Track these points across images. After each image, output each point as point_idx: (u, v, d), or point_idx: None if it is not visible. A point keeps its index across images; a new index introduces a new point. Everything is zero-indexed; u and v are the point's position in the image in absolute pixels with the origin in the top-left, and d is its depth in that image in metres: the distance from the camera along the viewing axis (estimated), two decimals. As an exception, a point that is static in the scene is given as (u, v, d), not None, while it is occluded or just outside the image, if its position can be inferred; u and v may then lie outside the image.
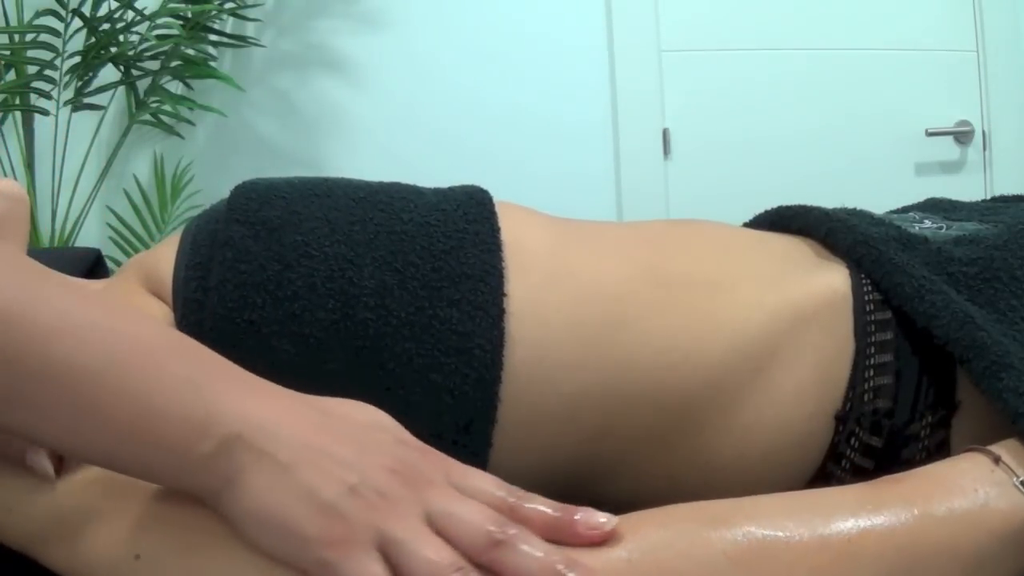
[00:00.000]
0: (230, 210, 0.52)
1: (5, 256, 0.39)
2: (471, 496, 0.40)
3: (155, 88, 1.67)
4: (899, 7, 2.08)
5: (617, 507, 0.42)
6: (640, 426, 0.52)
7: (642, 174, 1.99)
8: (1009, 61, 2.10)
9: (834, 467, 0.53)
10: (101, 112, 1.68)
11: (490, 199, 0.57)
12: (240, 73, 1.82)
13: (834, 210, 0.62)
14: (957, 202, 0.71)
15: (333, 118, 1.91)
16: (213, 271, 0.50)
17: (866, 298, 0.54)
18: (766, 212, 0.68)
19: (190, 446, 0.38)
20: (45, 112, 1.60)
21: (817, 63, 2.05)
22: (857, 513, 0.41)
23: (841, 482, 0.53)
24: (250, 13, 1.78)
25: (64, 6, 1.56)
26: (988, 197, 0.75)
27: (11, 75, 1.57)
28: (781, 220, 0.65)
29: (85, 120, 1.67)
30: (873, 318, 0.54)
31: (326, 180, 0.56)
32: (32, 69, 1.58)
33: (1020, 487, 0.43)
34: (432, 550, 0.37)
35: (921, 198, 0.74)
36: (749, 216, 0.71)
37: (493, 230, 0.54)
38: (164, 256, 0.54)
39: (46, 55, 1.57)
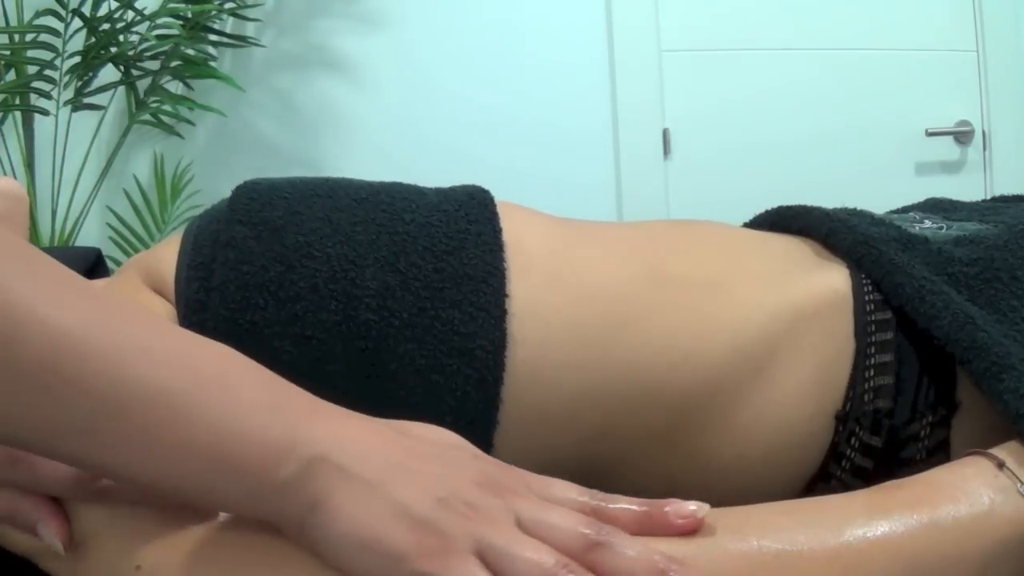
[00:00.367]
0: (232, 210, 0.52)
1: (64, 278, 0.38)
2: (557, 502, 0.40)
3: (155, 88, 1.67)
4: (899, 7, 2.08)
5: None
6: (640, 426, 0.52)
7: (642, 174, 1.99)
8: (1009, 61, 2.10)
9: (834, 467, 0.53)
10: (101, 112, 1.68)
11: (492, 199, 0.57)
12: (240, 73, 1.82)
13: (835, 210, 0.62)
14: (957, 202, 0.71)
15: (333, 118, 1.91)
16: (215, 272, 0.50)
17: (866, 298, 0.54)
18: (766, 212, 0.69)
19: (270, 471, 0.37)
20: (45, 112, 1.60)
21: (817, 63, 2.05)
22: (867, 523, 0.41)
23: (841, 482, 0.53)
24: (250, 13, 1.78)
25: (64, 6, 1.56)
26: (988, 197, 0.75)
27: (11, 75, 1.57)
28: (781, 220, 0.65)
29: (85, 120, 1.67)
30: (873, 318, 0.54)
31: (328, 180, 0.56)
32: (32, 69, 1.58)
33: None
34: (533, 551, 0.37)
35: (921, 198, 0.74)
36: (749, 216, 0.71)
37: (495, 231, 0.54)
38: (165, 256, 0.54)
39: (46, 55, 1.57)
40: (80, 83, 1.61)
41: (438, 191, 0.58)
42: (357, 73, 1.92)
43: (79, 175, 1.67)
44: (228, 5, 1.71)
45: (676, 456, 0.53)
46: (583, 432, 0.52)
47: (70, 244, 1.64)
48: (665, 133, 2.01)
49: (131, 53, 1.62)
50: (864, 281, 0.55)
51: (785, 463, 0.53)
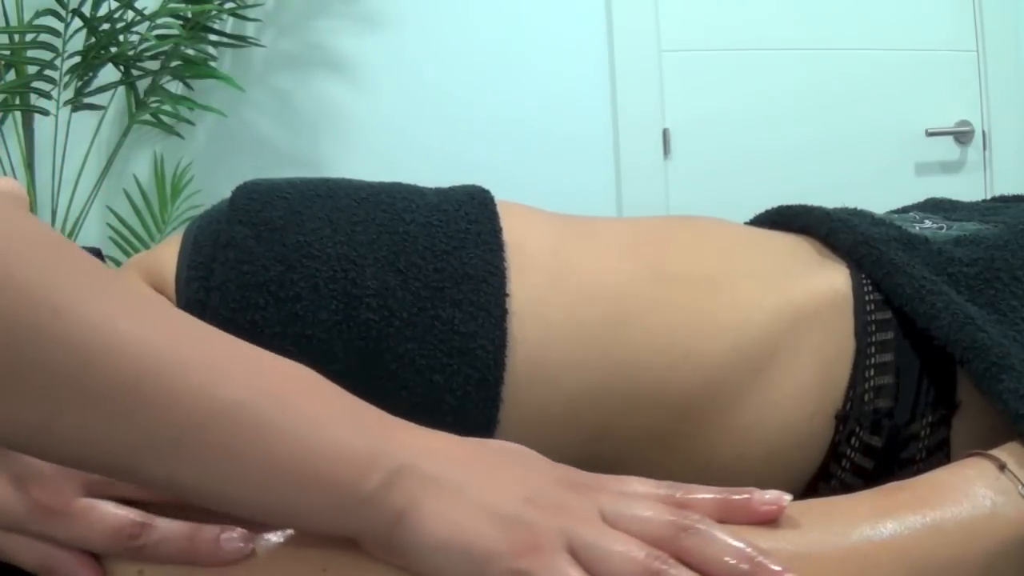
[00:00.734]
0: (232, 210, 0.52)
1: (139, 295, 0.37)
2: (636, 495, 0.40)
3: (155, 88, 1.67)
4: (899, 7, 2.08)
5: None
6: (641, 426, 0.52)
7: (642, 174, 1.99)
8: (1009, 61, 2.10)
9: (834, 467, 0.53)
10: (101, 112, 1.68)
11: (491, 199, 0.57)
12: (240, 73, 1.82)
13: (835, 210, 0.62)
14: (957, 202, 0.71)
15: (333, 118, 1.91)
16: (216, 271, 0.50)
17: (867, 298, 0.54)
18: (767, 211, 0.69)
19: (356, 483, 0.36)
20: (45, 112, 1.60)
21: (817, 63, 2.05)
22: (873, 526, 0.41)
23: (841, 482, 0.53)
24: (250, 13, 1.78)
25: (64, 6, 1.56)
26: (988, 197, 0.75)
27: (11, 75, 1.57)
28: (782, 219, 0.65)
29: (85, 120, 1.67)
30: (874, 318, 0.54)
31: (328, 180, 0.56)
32: (32, 69, 1.58)
33: None
34: (623, 544, 0.37)
35: (921, 198, 0.74)
36: (750, 216, 0.71)
37: (495, 230, 0.54)
38: (165, 256, 0.54)
39: (46, 55, 1.57)
40: (80, 83, 1.61)
41: (438, 191, 0.58)
42: (357, 73, 1.92)
43: (79, 175, 1.67)
44: (228, 5, 1.71)
45: (676, 457, 0.53)
46: (583, 432, 0.52)
47: (70, 244, 1.63)
48: (665, 133, 2.01)
49: (131, 53, 1.62)
50: (864, 281, 0.55)
51: (785, 463, 0.53)
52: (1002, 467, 0.44)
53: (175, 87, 1.77)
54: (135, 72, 1.65)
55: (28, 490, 0.39)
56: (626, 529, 0.38)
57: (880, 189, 1.66)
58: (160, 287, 0.54)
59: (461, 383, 0.49)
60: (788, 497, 0.40)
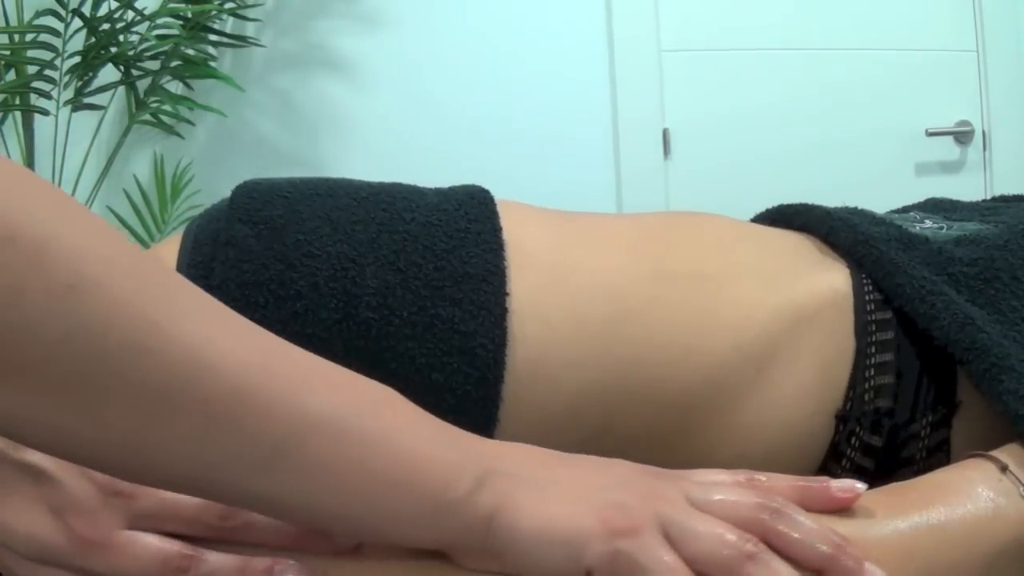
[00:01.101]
0: (232, 209, 0.52)
1: (225, 310, 0.36)
2: (713, 481, 0.40)
3: (155, 88, 1.67)
4: (899, 7, 2.08)
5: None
6: (641, 425, 0.52)
7: (642, 174, 1.99)
8: (1009, 61, 2.10)
9: (834, 467, 0.53)
10: (101, 112, 1.68)
11: (491, 199, 0.57)
12: (240, 73, 1.82)
13: (836, 209, 0.62)
14: (958, 202, 0.71)
15: (333, 118, 1.91)
16: (215, 270, 0.50)
17: (867, 298, 0.54)
18: (767, 210, 0.69)
19: (448, 489, 0.36)
20: (45, 112, 1.60)
21: (817, 63, 2.05)
22: (883, 528, 0.41)
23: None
24: (250, 13, 1.78)
25: (64, 6, 1.56)
26: (988, 197, 0.75)
27: (11, 75, 1.57)
28: (782, 217, 0.65)
29: (85, 120, 1.67)
30: (874, 317, 0.54)
31: (328, 180, 0.56)
32: (32, 69, 1.58)
33: None
34: (715, 526, 0.37)
35: (921, 198, 0.74)
36: (749, 216, 0.71)
37: (495, 229, 0.54)
38: (165, 254, 0.54)
39: (46, 55, 1.57)
40: (80, 83, 1.61)
41: (438, 191, 0.58)
42: (357, 73, 1.92)
43: (79, 175, 1.67)
44: (228, 5, 1.71)
45: (677, 456, 0.53)
46: (584, 431, 0.52)
47: (70, 244, 1.63)
48: (665, 133, 2.01)
49: (131, 53, 1.62)
50: (864, 280, 0.55)
51: (785, 463, 0.53)
52: (1004, 469, 0.44)
53: (175, 87, 1.77)
54: (135, 72, 1.65)
55: (68, 521, 0.38)
56: (714, 512, 0.38)
57: (880, 189, 1.66)
58: (160, 286, 0.54)
59: (461, 382, 0.49)
60: (862, 486, 0.41)
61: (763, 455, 0.53)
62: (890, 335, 0.53)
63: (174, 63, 1.67)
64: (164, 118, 1.73)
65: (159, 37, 1.62)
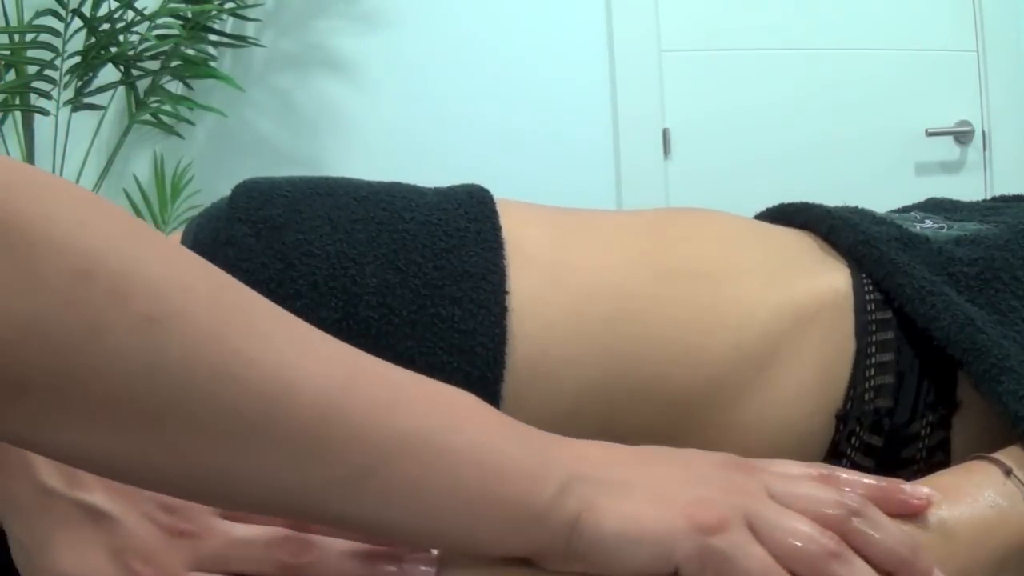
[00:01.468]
0: (232, 208, 0.52)
1: (306, 327, 0.36)
2: (792, 475, 0.40)
3: (155, 88, 1.67)
4: (899, 7, 2.08)
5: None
6: (642, 424, 0.52)
7: (642, 174, 1.99)
8: (1009, 61, 2.10)
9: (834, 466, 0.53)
10: (101, 112, 1.68)
11: (491, 198, 0.57)
12: (240, 73, 1.82)
13: (836, 208, 0.62)
14: (958, 202, 0.71)
15: (333, 118, 1.91)
16: (215, 269, 0.50)
17: (867, 297, 0.54)
18: (767, 209, 0.68)
19: (532, 497, 0.36)
20: (45, 112, 1.60)
21: (817, 63, 2.05)
22: None
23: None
24: (250, 13, 1.78)
25: (64, 6, 1.56)
26: (988, 197, 0.75)
27: (11, 75, 1.57)
28: (783, 216, 0.65)
29: (85, 120, 1.67)
30: (874, 317, 0.54)
31: (328, 179, 0.56)
32: (32, 69, 1.58)
33: None
34: (801, 523, 0.37)
35: (921, 198, 0.74)
36: (749, 215, 0.71)
37: (494, 228, 0.54)
38: (165, 254, 0.54)
39: (46, 55, 1.57)
40: (80, 83, 1.61)
41: (437, 190, 0.58)
42: (357, 73, 1.92)
43: (79, 175, 1.67)
44: (228, 5, 1.71)
45: (677, 455, 0.53)
46: (584, 430, 0.52)
47: (70, 244, 1.63)
48: (665, 133, 2.01)
49: (131, 53, 1.62)
50: (865, 280, 0.55)
51: (785, 462, 0.53)
52: (1008, 473, 0.44)
53: (175, 87, 1.77)
54: (135, 72, 1.65)
55: (129, 563, 0.38)
56: (796, 508, 0.38)
57: (880, 189, 1.65)
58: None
59: (461, 381, 0.49)
60: (935, 496, 0.41)
61: (763, 454, 0.53)
62: (890, 335, 0.53)
63: (174, 63, 1.67)
64: (164, 118, 1.73)
65: (159, 37, 1.62)
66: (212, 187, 1.77)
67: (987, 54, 2.10)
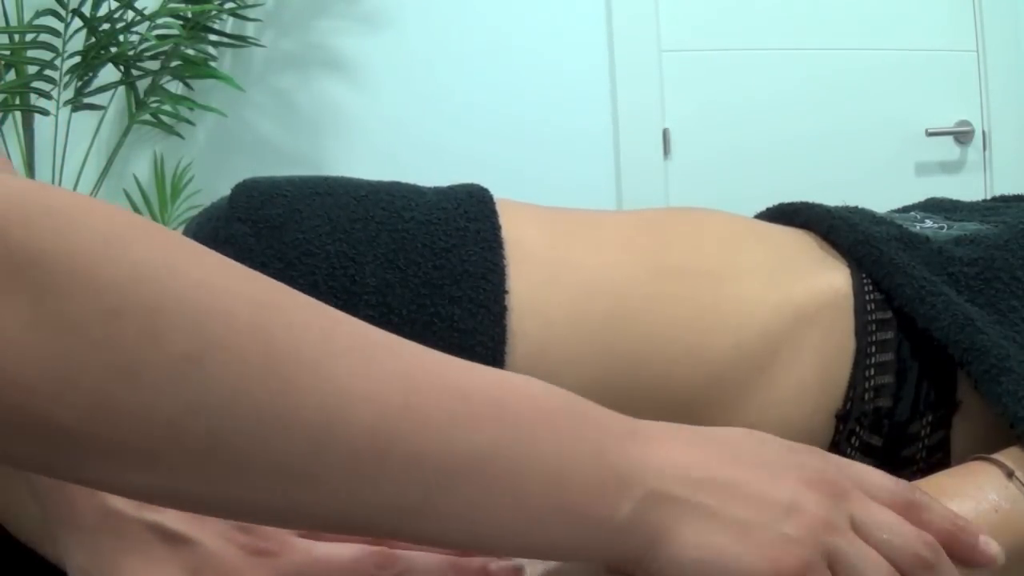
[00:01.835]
0: (232, 208, 0.53)
1: (367, 338, 0.34)
2: (875, 495, 0.39)
3: (155, 88, 1.67)
4: (899, 7, 2.08)
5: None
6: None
7: (642, 174, 1.99)
8: (1009, 61, 2.10)
9: (835, 466, 0.53)
10: (101, 112, 1.68)
11: (490, 197, 0.57)
12: (240, 73, 1.82)
13: (836, 208, 0.62)
14: (958, 202, 0.71)
15: (333, 118, 1.91)
16: (214, 269, 0.50)
17: (867, 297, 0.54)
18: (767, 209, 0.68)
19: (607, 514, 0.35)
20: (45, 112, 1.60)
21: (817, 63, 2.05)
22: None
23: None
24: (250, 13, 1.78)
25: (64, 6, 1.56)
26: (988, 197, 0.75)
27: (11, 75, 1.57)
28: (783, 216, 0.65)
29: (85, 120, 1.67)
30: (874, 317, 0.54)
31: (327, 179, 0.56)
32: (32, 69, 1.58)
33: None
34: (880, 568, 0.36)
35: (921, 198, 0.74)
36: (750, 215, 0.71)
37: (494, 228, 0.54)
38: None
39: (46, 55, 1.57)
40: (80, 83, 1.61)
41: (437, 190, 0.58)
42: (357, 73, 1.92)
43: (79, 175, 1.67)
44: (228, 5, 1.71)
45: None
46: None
47: (70, 244, 1.63)
48: (665, 133, 2.01)
49: (131, 53, 1.62)
50: (865, 280, 0.55)
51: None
52: (1010, 475, 0.44)
53: (175, 87, 1.77)
54: (135, 72, 1.65)
55: None
56: (875, 545, 0.37)
57: (880, 189, 1.65)
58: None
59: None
60: (1001, 557, 0.40)
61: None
62: (890, 335, 0.53)
63: (174, 63, 1.67)
64: (164, 118, 1.73)
65: (159, 37, 1.62)
66: (212, 187, 1.77)
67: (987, 54, 2.10)
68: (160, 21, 1.62)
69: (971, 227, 0.60)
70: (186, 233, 0.55)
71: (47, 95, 1.58)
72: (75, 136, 1.64)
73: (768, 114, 2.03)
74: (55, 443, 0.27)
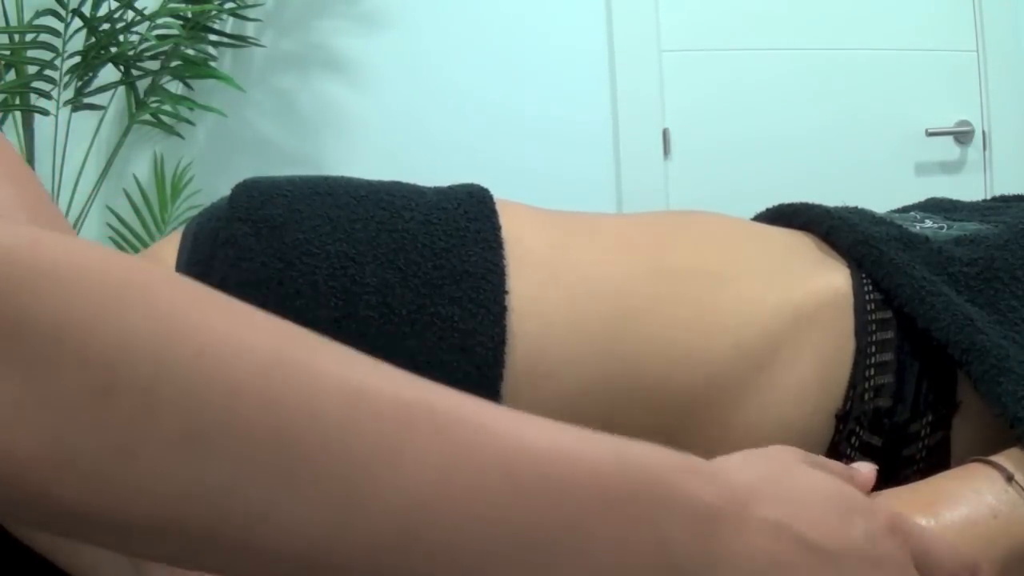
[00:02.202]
0: (232, 208, 0.53)
1: (386, 370, 0.31)
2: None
3: (155, 88, 1.67)
4: (899, 7, 2.08)
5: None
6: (642, 423, 0.52)
7: (642, 174, 1.99)
8: (1009, 61, 2.10)
9: (835, 466, 0.53)
10: (101, 112, 1.68)
11: (490, 197, 0.57)
12: (240, 73, 1.82)
13: (836, 208, 0.62)
14: (958, 202, 0.71)
15: (333, 118, 1.91)
16: (215, 269, 0.50)
17: (867, 297, 0.54)
18: (767, 210, 0.69)
19: None
20: (45, 112, 1.60)
21: (817, 63, 2.05)
22: None
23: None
24: (250, 13, 1.78)
25: (64, 6, 1.56)
26: (988, 197, 0.75)
27: (11, 75, 1.57)
28: (782, 216, 0.65)
29: (85, 120, 1.67)
30: (874, 317, 0.54)
31: (328, 179, 0.56)
32: (32, 69, 1.58)
33: None
34: None
35: (921, 198, 0.74)
36: (750, 216, 0.71)
37: (494, 228, 0.54)
38: (165, 253, 0.54)
39: (46, 55, 1.57)
40: (80, 83, 1.61)
41: (437, 190, 0.58)
42: (357, 73, 1.92)
43: (79, 175, 1.67)
44: (228, 5, 1.71)
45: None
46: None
47: (70, 244, 1.63)
48: (665, 133, 2.01)
49: (131, 53, 1.62)
50: (864, 280, 0.55)
51: (785, 462, 0.53)
52: (1010, 479, 0.44)
53: (175, 87, 1.77)
54: (135, 72, 1.65)
55: None
56: None
57: (880, 189, 1.65)
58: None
59: (460, 380, 0.49)
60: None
61: (763, 453, 0.53)
62: (890, 335, 0.53)
63: (174, 63, 1.67)
64: (164, 118, 1.73)
65: (159, 37, 1.62)
66: (212, 187, 1.77)
67: (987, 54, 2.09)
68: (160, 21, 1.62)
69: (971, 227, 0.60)
70: (186, 233, 0.55)
71: (47, 95, 1.58)
72: (75, 136, 1.64)
73: (768, 114, 2.03)
74: (59, 516, 0.26)
